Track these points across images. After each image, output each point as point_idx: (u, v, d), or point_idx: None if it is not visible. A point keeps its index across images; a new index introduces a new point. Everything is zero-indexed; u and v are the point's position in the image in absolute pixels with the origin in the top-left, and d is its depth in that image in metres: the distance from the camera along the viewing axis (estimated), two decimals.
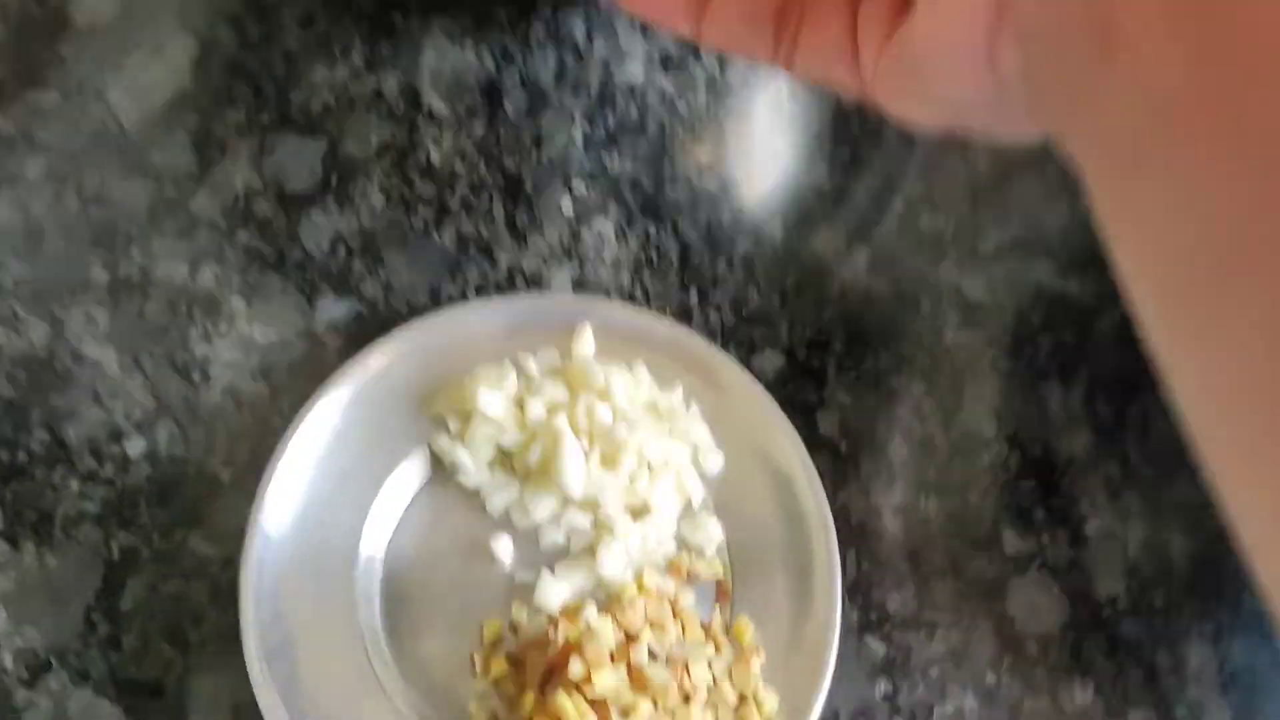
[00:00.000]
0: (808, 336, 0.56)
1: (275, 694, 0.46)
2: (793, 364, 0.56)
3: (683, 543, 0.50)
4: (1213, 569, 0.53)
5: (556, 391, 0.50)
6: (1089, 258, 0.55)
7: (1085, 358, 0.53)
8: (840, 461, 0.54)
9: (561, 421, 0.48)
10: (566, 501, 0.49)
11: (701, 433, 0.50)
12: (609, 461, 0.49)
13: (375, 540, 0.50)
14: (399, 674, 0.48)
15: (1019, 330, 0.54)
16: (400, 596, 0.50)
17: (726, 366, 0.52)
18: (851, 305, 0.57)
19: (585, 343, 0.52)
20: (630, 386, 0.50)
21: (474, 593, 0.50)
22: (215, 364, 0.53)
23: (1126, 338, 0.52)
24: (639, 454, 0.48)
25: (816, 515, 0.49)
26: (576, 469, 0.48)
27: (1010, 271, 0.56)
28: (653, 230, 0.58)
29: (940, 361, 0.54)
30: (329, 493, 0.50)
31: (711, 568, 0.49)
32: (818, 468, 0.51)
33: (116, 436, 0.50)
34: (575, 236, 0.58)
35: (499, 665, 0.48)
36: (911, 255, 0.57)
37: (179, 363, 0.52)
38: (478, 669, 0.48)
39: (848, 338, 0.56)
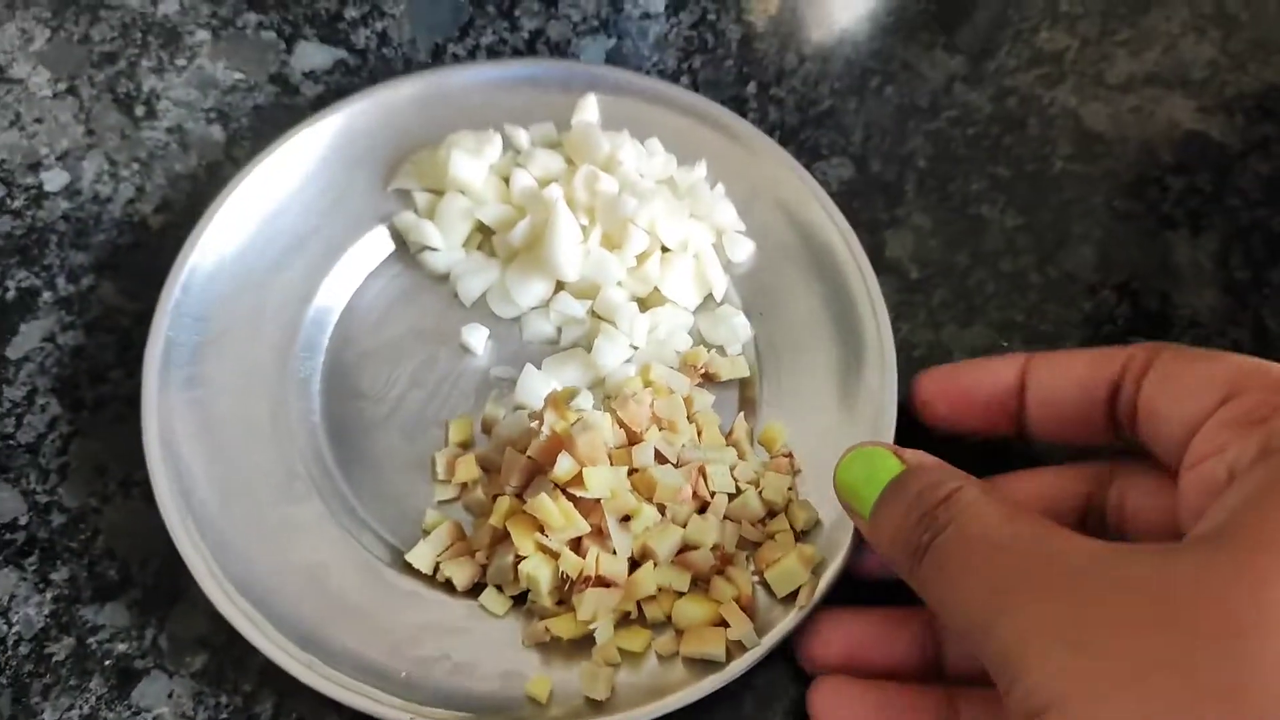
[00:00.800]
0: (885, 147, 0.46)
1: (168, 480, 0.36)
2: (864, 175, 0.46)
3: (701, 340, 0.41)
4: None
5: (551, 162, 0.41)
6: (1236, 97, 0.46)
7: (1223, 208, 0.44)
8: (907, 289, 0.44)
9: (555, 192, 0.39)
10: (558, 286, 0.40)
11: (728, 215, 0.42)
12: (612, 240, 0.40)
13: (321, 322, 0.41)
14: (341, 476, 0.39)
15: (1144, 169, 0.45)
16: (347, 390, 0.40)
17: (764, 146, 0.43)
18: (944, 118, 0.47)
19: (588, 110, 0.43)
20: (641, 157, 0.41)
21: (438, 389, 0.40)
22: (164, 99, 0.45)
23: (1277, 191, 0.44)
24: (650, 233, 0.39)
25: (870, 319, 0.40)
26: (571, 247, 0.39)
27: (1141, 103, 0.46)
28: (711, 9, 0.49)
29: (1045, 192, 0.45)
30: (271, 259, 0.41)
31: (735, 367, 0.40)
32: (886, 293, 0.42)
33: (34, 166, 0.43)
34: (617, 8, 0.49)
35: (466, 469, 0.38)
36: (1024, 72, 0.47)
37: (120, 93, 0.45)
38: (439, 472, 0.39)
39: (935, 153, 0.46)
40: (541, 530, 0.35)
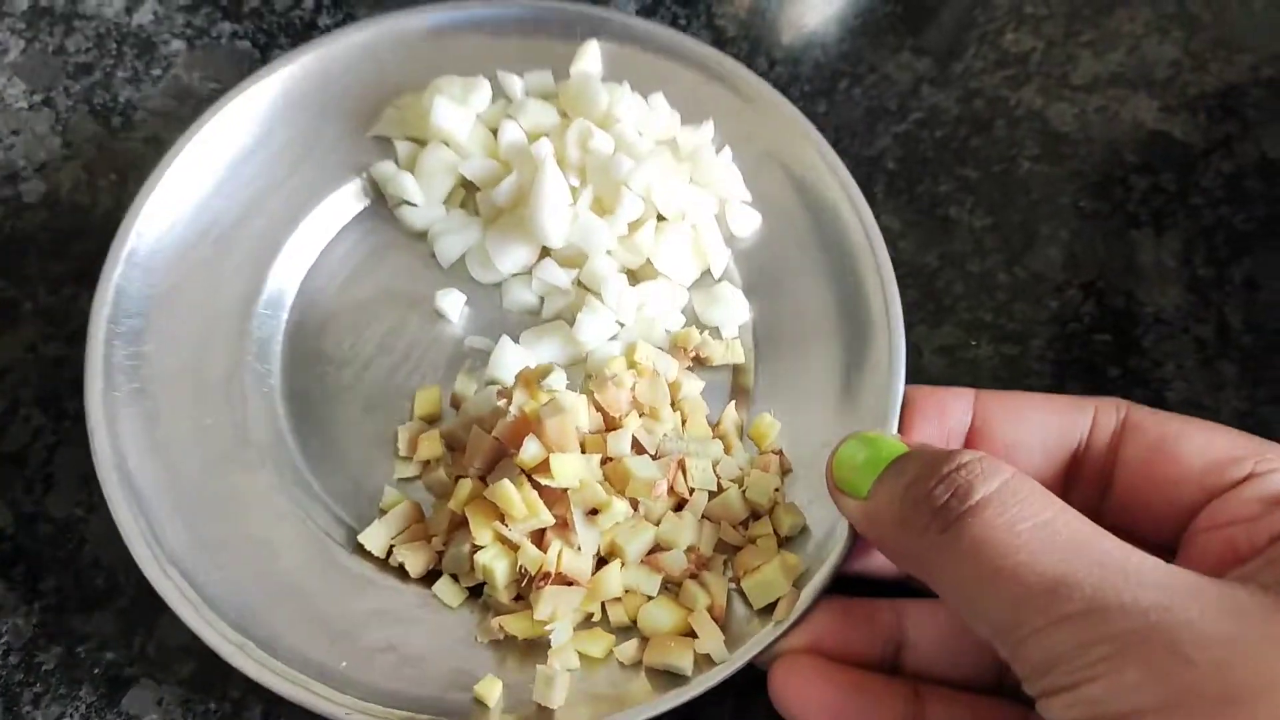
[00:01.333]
0: (855, 149, 0.45)
1: (108, 438, 0.34)
2: None
3: (694, 319, 0.37)
4: None
5: (544, 115, 0.38)
6: (1198, 96, 0.45)
7: (1186, 207, 0.43)
8: None
9: (544, 148, 0.36)
10: (544, 252, 0.37)
11: (734, 183, 0.38)
12: (603, 205, 0.36)
13: (286, 278, 0.38)
14: (296, 446, 0.36)
15: (1109, 169, 0.44)
16: (310, 352, 0.37)
17: (780, 108, 0.39)
18: (912, 120, 0.46)
19: (589, 59, 0.39)
20: (641, 113, 0.37)
21: (407, 356, 0.37)
22: (140, 109, 0.45)
23: (1239, 189, 0.43)
24: (645, 199, 0.36)
25: (880, 313, 0.36)
26: (558, 210, 0.36)
27: (1106, 104, 0.45)
28: (682, 14, 0.47)
29: (1012, 193, 0.44)
30: (231, 218, 0.38)
31: (730, 352, 0.37)
32: None
33: (12, 178, 0.43)
34: None
35: (430, 445, 0.35)
36: (990, 74, 0.46)
37: (97, 104, 0.45)
38: (401, 447, 0.36)
39: (903, 155, 0.45)
40: (502, 519, 0.33)
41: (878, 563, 0.33)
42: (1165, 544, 0.31)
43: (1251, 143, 0.44)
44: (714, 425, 0.36)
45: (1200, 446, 0.31)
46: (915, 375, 0.39)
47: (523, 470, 0.33)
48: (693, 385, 0.36)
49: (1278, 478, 0.30)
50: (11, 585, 0.36)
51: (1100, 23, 0.48)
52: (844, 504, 0.31)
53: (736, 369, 0.37)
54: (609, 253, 0.37)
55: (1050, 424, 0.32)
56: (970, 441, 0.33)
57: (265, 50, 0.45)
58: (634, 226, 0.36)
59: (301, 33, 0.46)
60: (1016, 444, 0.32)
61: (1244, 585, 0.26)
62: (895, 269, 0.39)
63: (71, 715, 0.35)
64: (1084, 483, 0.32)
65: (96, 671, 0.35)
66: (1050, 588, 0.25)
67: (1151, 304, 0.42)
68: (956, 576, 0.27)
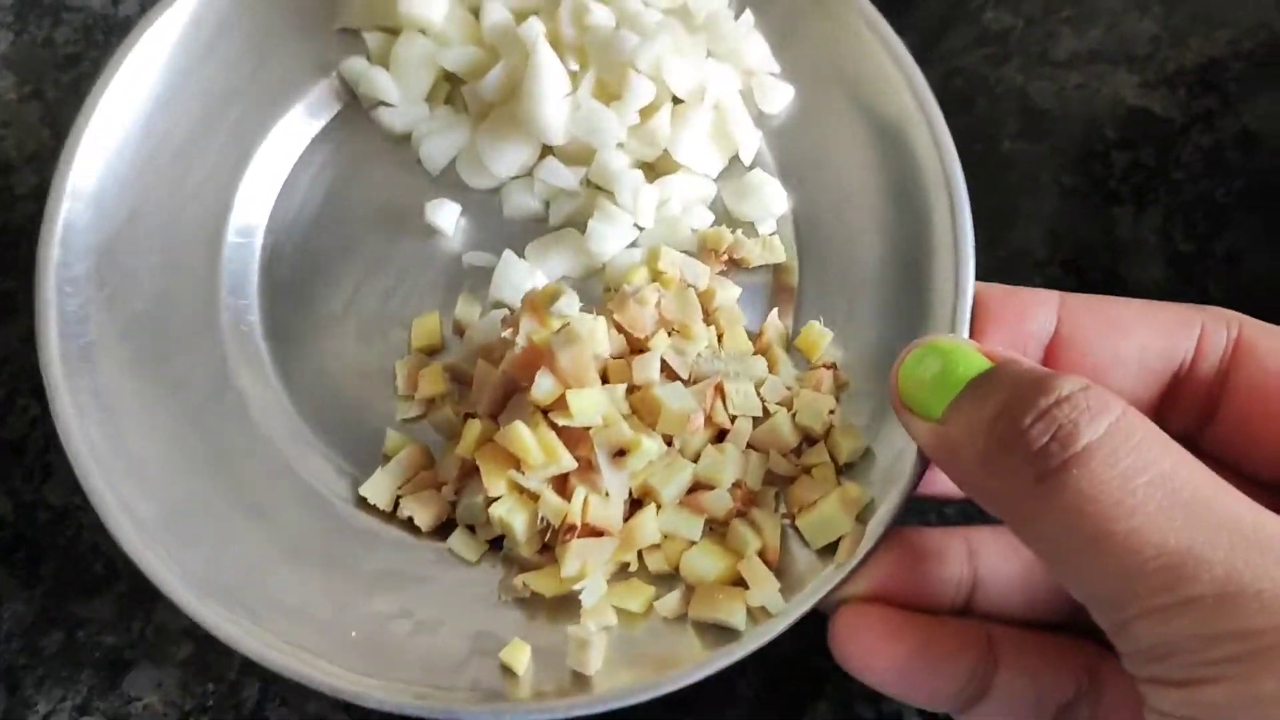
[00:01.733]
0: None
1: (70, 395, 0.30)
2: None
3: (725, 215, 0.32)
4: None
5: None
6: (1177, 72, 0.45)
7: (1166, 181, 0.43)
8: None
9: (535, 29, 0.31)
10: (545, 150, 0.32)
11: (758, 53, 0.33)
12: (607, 90, 0.31)
13: (256, 199, 0.33)
14: (283, 388, 0.32)
15: (1089, 145, 0.44)
16: (291, 283, 0.33)
17: None
18: None
19: None
20: None
21: (399, 280, 0.33)
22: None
23: (1219, 163, 0.43)
24: (657, 79, 0.31)
25: (941, 194, 0.31)
26: (557, 100, 0.31)
27: (1086, 80, 0.45)
28: None
29: (993, 171, 0.43)
30: (185, 132, 0.34)
31: (769, 250, 0.32)
32: None
33: (4, 170, 0.42)
34: None
35: (433, 380, 0.31)
36: (971, 52, 0.45)
37: (86, 94, 0.41)
38: (400, 385, 0.32)
39: None
40: (518, 465, 0.28)
41: (945, 484, 0.29)
42: (1277, 485, 0.27)
43: (1231, 116, 0.44)
44: (755, 339, 0.32)
45: None
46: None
47: (537, 408, 0.28)
48: (728, 293, 0.32)
49: None
50: (12, 571, 0.36)
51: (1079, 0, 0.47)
52: (913, 426, 0.26)
53: (777, 270, 0.33)
54: (620, 145, 0.32)
55: (1150, 339, 0.28)
56: (1052, 354, 0.28)
57: None
58: (646, 113, 0.32)
59: None
60: (1110, 361, 0.28)
61: None
62: None
63: (73, 698, 0.35)
64: (1182, 409, 0.29)
65: (97, 655, 0.35)
66: (1173, 563, 0.21)
67: (1133, 279, 0.41)
68: (1054, 534, 0.23)
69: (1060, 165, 0.43)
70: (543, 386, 0.28)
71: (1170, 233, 0.42)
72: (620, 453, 0.28)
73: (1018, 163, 0.43)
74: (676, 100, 0.32)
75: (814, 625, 0.28)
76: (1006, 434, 0.23)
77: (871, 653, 0.27)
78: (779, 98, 0.33)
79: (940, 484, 0.29)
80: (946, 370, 0.25)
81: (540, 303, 0.29)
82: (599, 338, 0.29)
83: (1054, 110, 0.44)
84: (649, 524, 0.29)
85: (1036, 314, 0.28)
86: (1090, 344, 0.28)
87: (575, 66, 0.32)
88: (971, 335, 0.29)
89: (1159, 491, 0.22)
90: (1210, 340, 0.28)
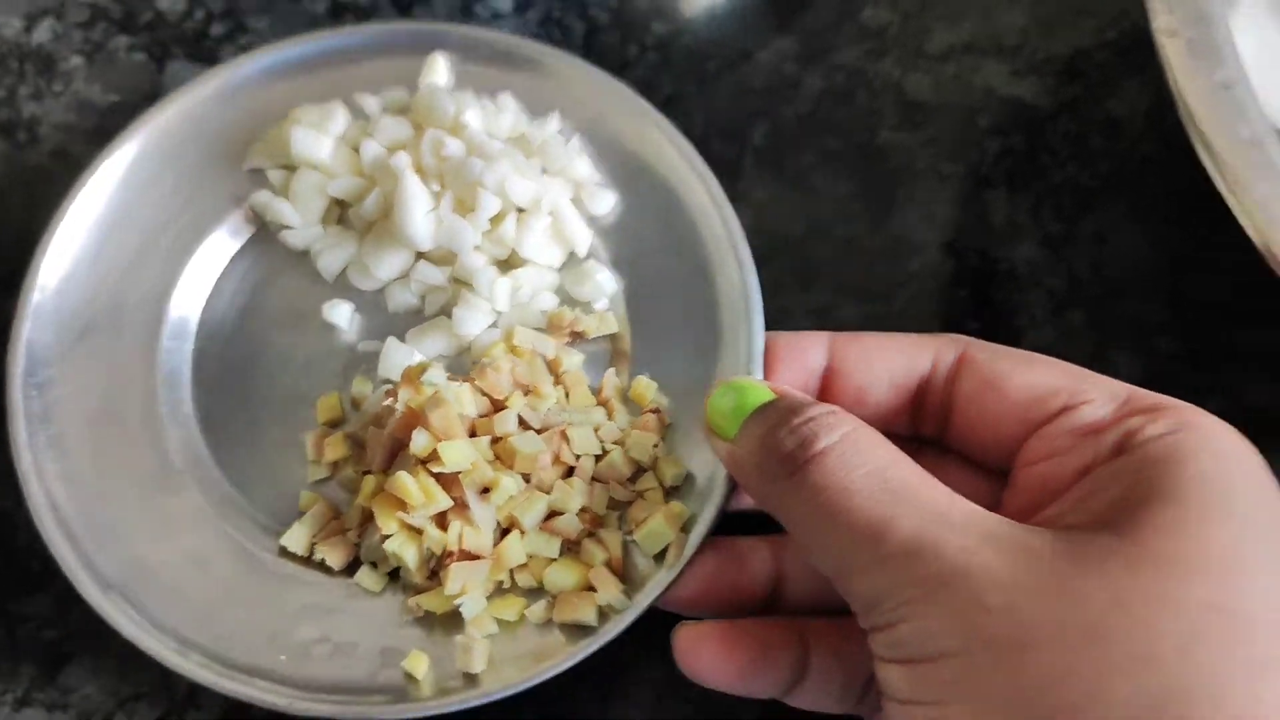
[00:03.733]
0: (723, 126, 0.47)
1: (38, 479, 0.37)
2: (705, 155, 0.46)
3: (567, 297, 0.40)
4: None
5: (399, 129, 0.40)
6: (1045, 61, 0.48)
7: (1035, 166, 0.46)
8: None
9: (401, 160, 0.38)
10: (415, 255, 0.39)
11: (585, 168, 0.40)
12: (464, 205, 0.39)
13: (186, 311, 0.41)
14: (216, 464, 0.39)
15: (963, 133, 0.47)
16: (217, 377, 0.40)
17: (620, 94, 0.42)
18: (777, 97, 0.48)
19: (437, 72, 0.41)
20: (488, 116, 0.40)
21: (307, 368, 0.40)
22: (45, 124, 0.47)
23: (1085, 148, 0.46)
24: (502, 194, 0.38)
25: (731, 263, 0.39)
26: (422, 215, 0.38)
27: (958, 71, 0.48)
28: (557, 6, 0.49)
29: (873, 161, 0.47)
30: (128, 257, 0.41)
31: (604, 323, 0.39)
32: None
33: None
34: (467, 9, 0.49)
35: (336, 447, 0.38)
36: (850, 48, 0.49)
37: (3, 121, 0.47)
38: (310, 453, 0.39)
39: (770, 130, 0.47)
40: (405, 508, 0.35)
41: (749, 501, 0.36)
42: (1003, 470, 0.33)
43: (1096, 103, 0.46)
44: (597, 393, 0.39)
45: (1026, 381, 0.32)
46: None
47: (417, 460, 0.35)
48: (572, 360, 0.39)
49: (1088, 409, 0.31)
50: None
51: None
52: (717, 448, 0.33)
53: (613, 338, 0.40)
54: (476, 248, 0.39)
55: (896, 362, 0.34)
56: (826, 382, 0.35)
57: (161, 61, 0.48)
58: (495, 221, 0.39)
59: (194, 42, 0.48)
60: (869, 382, 0.35)
61: (1047, 528, 0.27)
62: (765, 239, 0.42)
63: (15, 690, 0.38)
64: (927, 417, 0.34)
65: (36, 649, 0.38)
66: (877, 531, 0.27)
67: (1006, 260, 0.44)
68: (800, 517, 0.30)
69: (936, 153, 0.46)
70: (419, 442, 0.35)
71: (1040, 215, 0.45)
72: (486, 490, 0.36)
73: (896, 152, 0.46)
74: (521, 210, 0.40)
75: None
76: (769, 444, 0.30)
77: (713, 668, 0.33)
78: (604, 202, 0.41)
79: (746, 500, 0.36)
80: (739, 403, 0.32)
81: (413, 375, 0.37)
82: (464, 400, 0.36)
83: (930, 101, 0.47)
84: (515, 547, 0.36)
85: (812, 352, 0.35)
86: (853, 371, 0.35)
87: (437, 188, 0.39)
88: (766, 375, 0.37)
89: (874, 481, 0.28)
90: (942, 359, 0.34)
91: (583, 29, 0.49)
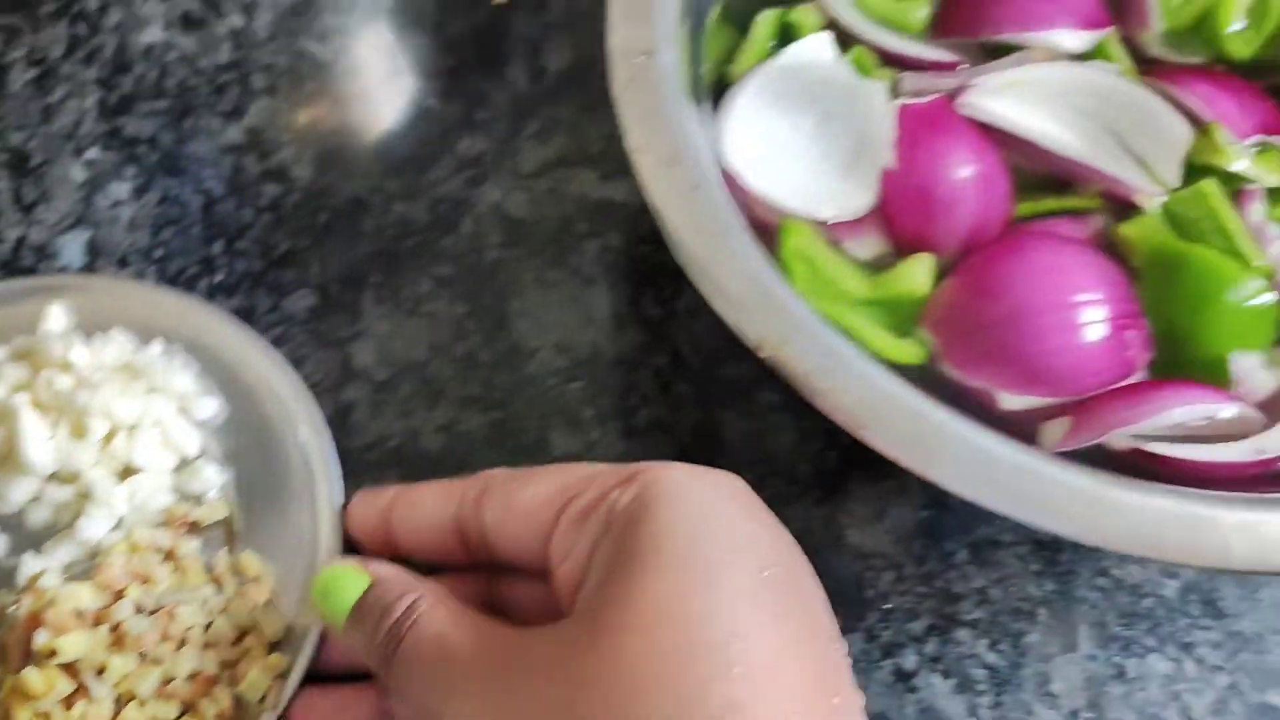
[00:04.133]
0: (341, 272, 0.55)
1: None
2: (326, 300, 0.54)
3: (181, 493, 0.47)
4: (757, 440, 0.51)
5: (20, 373, 0.48)
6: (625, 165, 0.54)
7: (630, 258, 0.53)
8: (378, 390, 0.52)
9: (18, 399, 0.46)
10: (42, 479, 0.47)
11: (186, 382, 0.48)
12: (78, 430, 0.46)
13: None
14: None
15: (563, 240, 0.53)
16: None
17: (211, 314, 0.50)
18: (388, 236, 0.56)
19: (54, 320, 0.49)
20: (93, 352, 0.48)
21: None
22: None
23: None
24: (109, 416, 0.46)
25: (311, 440, 0.47)
26: (39, 444, 0.46)
27: (553, 184, 0.55)
28: (173, 187, 0.56)
29: (483, 280, 0.53)
30: None
31: (213, 511, 0.47)
32: (356, 400, 0.52)
33: None
34: (88, 203, 0.56)
35: None
36: (450, 180, 0.55)
37: None
38: None
39: (385, 267, 0.55)
40: (36, 698, 0.42)
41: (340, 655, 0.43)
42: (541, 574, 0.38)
43: None
44: (212, 571, 0.46)
45: (530, 494, 0.37)
46: (418, 455, 0.50)
47: (40, 655, 0.42)
48: (189, 546, 0.46)
49: (580, 500, 0.35)
50: None
51: (540, 113, 0.57)
52: (331, 631, 0.41)
53: (226, 520, 0.48)
54: (95, 465, 0.46)
55: (430, 510, 0.41)
56: (389, 528, 0.43)
57: None
58: (108, 439, 0.46)
59: None
60: (414, 529, 0.42)
61: (564, 628, 0.33)
62: (391, 368, 0.50)
63: None
64: (473, 548, 0.39)
65: None
66: (444, 681, 0.35)
67: (613, 349, 0.51)
68: (392, 682, 0.37)
69: (541, 263, 0.52)
70: (40, 639, 0.42)
71: (641, 302, 0.51)
72: (100, 670, 0.43)
73: (504, 268, 0.52)
74: (132, 426, 0.47)
75: None
76: (369, 645, 0.37)
77: None
78: (207, 407, 0.49)
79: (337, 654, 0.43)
80: (340, 594, 0.38)
81: (32, 583, 0.44)
82: (82, 596, 0.43)
83: (529, 217, 0.53)
84: (133, 715, 0.43)
85: (376, 501, 0.43)
86: (404, 521, 0.42)
87: (55, 418, 0.47)
88: (347, 530, 0.45)
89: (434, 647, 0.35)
90: (466, 497, 0.39)
91: (200, 201, 0.56)
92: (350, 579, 0.39)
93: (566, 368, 0.52)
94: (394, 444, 0.52)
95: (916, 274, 0.46)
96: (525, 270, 0.53)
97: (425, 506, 0.42)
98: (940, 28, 0.52)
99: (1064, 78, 0.50)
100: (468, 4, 0.61)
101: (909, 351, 0.46)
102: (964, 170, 0.47)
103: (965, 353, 0.45)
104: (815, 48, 0.51)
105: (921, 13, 0.52)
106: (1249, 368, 0.44)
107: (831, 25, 0.52)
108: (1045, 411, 0.45)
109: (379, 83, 0.60)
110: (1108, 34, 0.51)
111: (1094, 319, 0.44)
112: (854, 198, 0.48)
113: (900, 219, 0.48)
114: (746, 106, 0.49)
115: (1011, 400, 0.44)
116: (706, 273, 0.42)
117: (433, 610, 0.36)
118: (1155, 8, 0.52)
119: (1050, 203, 0.49)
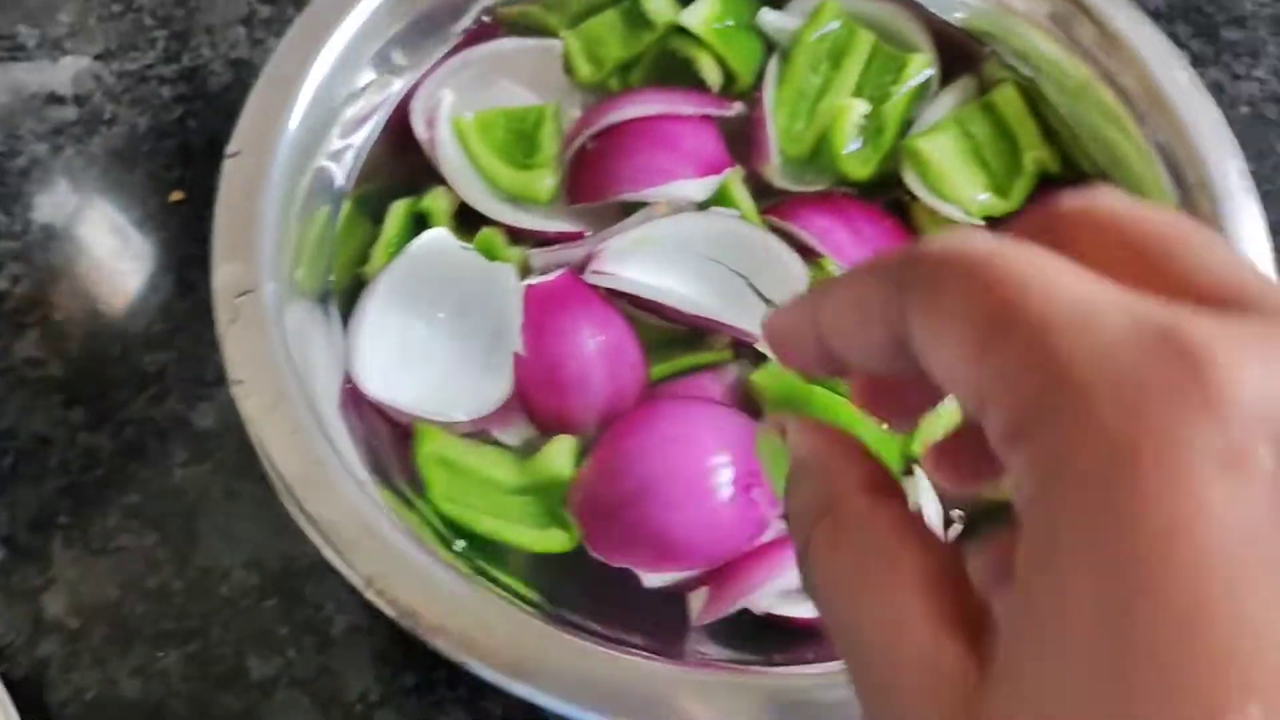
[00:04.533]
0: (31, 519, 0.53)
1: None
2: (15, 552, 0.53)
3: None
4: None
5: None
6: None
7: None
8: (71, 640, 0.51)
9: None
10: None
11: None
12: None
13: None
14: None
15: (250, 453, 0.53)
16: None
17: None
18: (74, 472, 0.54)
19: None
20: None
21: None
22: None
23: None
24: None
25: None
26: None
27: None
28: None
29: (170, 503, 0.52)
30: None
31: None
32: (51, 655, 0.50)
33: None
34: None
35: None
36: (134, 402, 0.54)
37: None
38: None
39: (74, 506, 0.53)
40: None
41: None
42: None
43: None
44: None
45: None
46: (116, 703, 0.48)
47: None
48: None
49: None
50: None
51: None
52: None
53: None
54: None
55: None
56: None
57: None
58: None
59: None
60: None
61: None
62: (81, 615, 0.48)
63: None
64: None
65: None
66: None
67: (305, 556, 0.50)
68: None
69: (228, 474, 0.51)
70: None
71: None
72: None
73: (191, 485, 0.50)
74: None
75: None
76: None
77: None
78: None
79: None
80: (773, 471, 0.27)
81: None
82: None
83: (215, 426, 0.52)
84: None
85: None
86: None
87: None
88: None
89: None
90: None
91: None
92: (779, 454, 0.27)
93: (258, 585, 0.52)
94: (90, 695, 0.50)
95: (556, 457, 0.47)
96: (213, 485, 0.52)
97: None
98: (570, 194, 0.53)
99: (688, 229, 0.50)
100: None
101: (555, 541, 0.46)
102: (590, 344, 0.48)
103: (602, 535, 0.45)
104: (438, 238, 0.51)
105: (549, 181, 0.53)
106: None
107: (462, 208, 0.52)
108: (688, 583, 0.45)
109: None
110: (731, 174, 0.51)
111: (720, 482, 0.44)
112: (492, 389, 0.48)
113: (537, 401, 0.48)
114: (376, 311, 0.49)
115: (652, 579, 0.45)
116: (310, 516, 0.42)
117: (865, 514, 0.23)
118: (774, 141, 0.53)
119: (686, 359, 0.49)
